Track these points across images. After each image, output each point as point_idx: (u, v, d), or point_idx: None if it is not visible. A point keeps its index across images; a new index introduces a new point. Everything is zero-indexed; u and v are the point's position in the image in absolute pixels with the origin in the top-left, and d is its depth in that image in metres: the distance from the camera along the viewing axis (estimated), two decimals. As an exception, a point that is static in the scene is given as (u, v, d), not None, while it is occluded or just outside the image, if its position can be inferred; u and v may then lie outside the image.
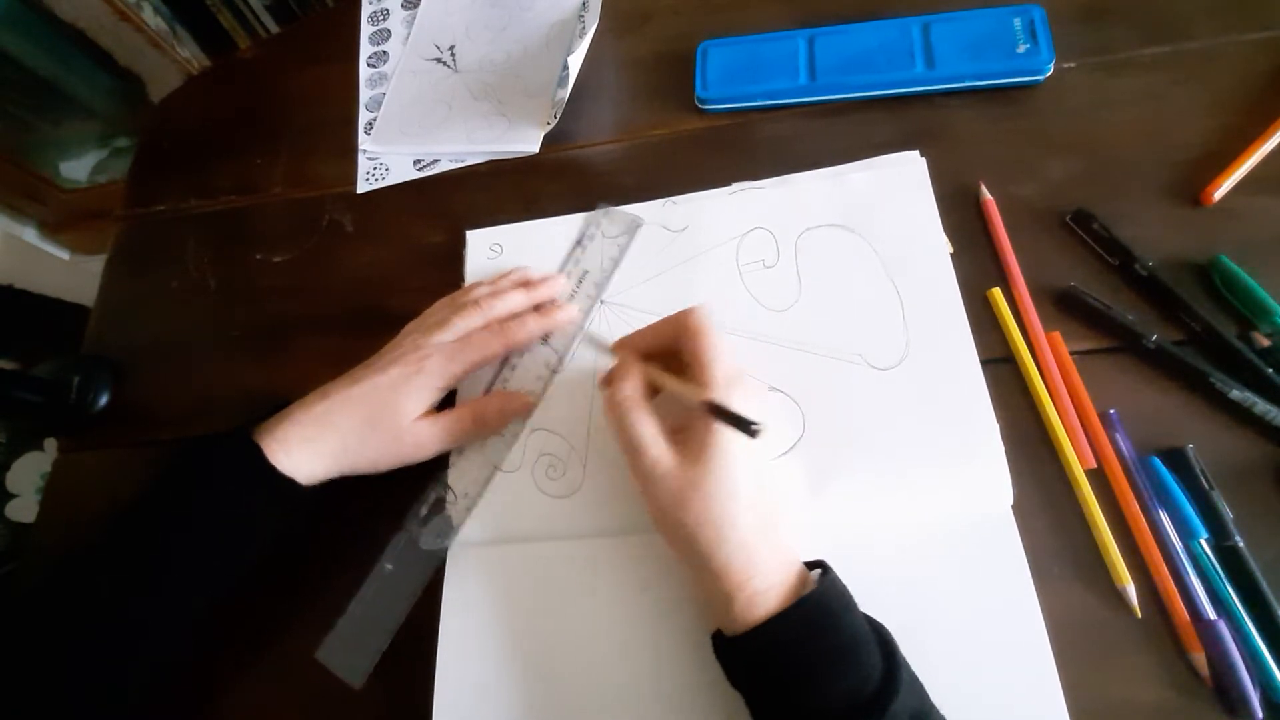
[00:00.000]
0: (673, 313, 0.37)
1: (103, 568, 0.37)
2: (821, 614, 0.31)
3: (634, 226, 0.47)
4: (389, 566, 0.41)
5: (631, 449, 0.35)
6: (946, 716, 0.30)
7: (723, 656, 0.33)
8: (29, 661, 0.36)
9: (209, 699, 0.42)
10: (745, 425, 0.31)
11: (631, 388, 0.36)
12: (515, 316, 0.44)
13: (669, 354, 0.37)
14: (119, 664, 0.37)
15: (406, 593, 0.41)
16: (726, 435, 0.32)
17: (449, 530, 0.42)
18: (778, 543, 0.33)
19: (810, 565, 0.34)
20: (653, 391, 0.37)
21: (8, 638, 0.37)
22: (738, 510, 0.32)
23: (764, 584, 0.32)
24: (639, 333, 0.38)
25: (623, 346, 0.39)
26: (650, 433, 0.34)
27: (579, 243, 0.48)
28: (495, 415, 0.43)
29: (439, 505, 0.42)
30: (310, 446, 0.39)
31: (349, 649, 0.40)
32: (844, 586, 0.33)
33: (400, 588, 0.41)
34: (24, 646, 0.37)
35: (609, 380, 0.38)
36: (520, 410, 0.44)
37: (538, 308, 0.45)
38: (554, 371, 0.45)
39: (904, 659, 0.31)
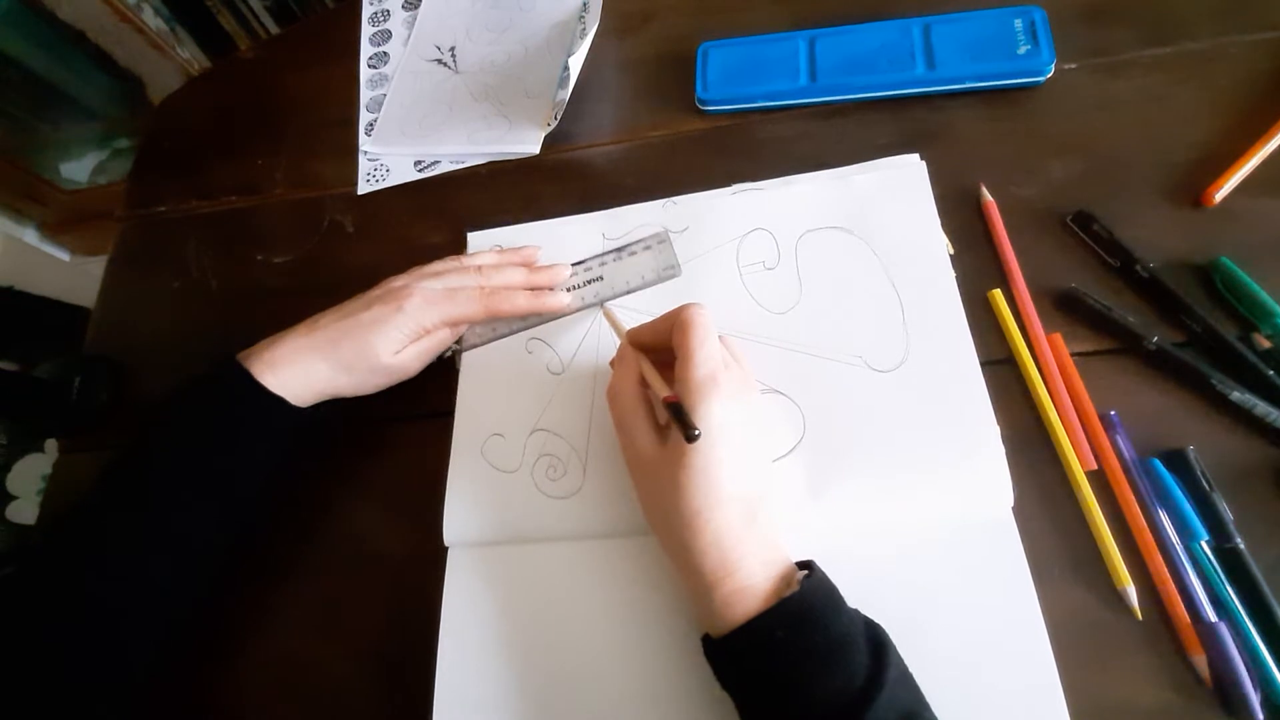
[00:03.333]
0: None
1: (100, 513, 0.38)
2: (803, 616, 0.30)
3: (669, 273, 0.46)
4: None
5: (621, 436, 0.37)
6: (948, 718, 0.30)
7: (710, 658, 0.33)
8: (33, 630, 0.36)
9: (209, 699, 0.42)
10: (685, 428, 0.32)
11: (624, 378, 0.37)
12: (508, 289, 0.45)
13: (668, 347, 0.37)
14: (122, 618, 0.38)
15: None
16: (709, 427, 0.32)
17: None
18: (763, 538, 0.33)
19: (801, 565, 0.34)
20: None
21: (12, 603, 0.37)
22: (717, 501, 0.32)
23: (744, 581, 0.32)
24: (645, 325, 0.39)
25: (629, 336, 0.40)
26: (638, 422, 0.36)
27: (617, 251, 0.48)
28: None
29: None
30: (296, 368, 0.41)
31: None
32: (831, 586, 0.32)
33: None
34: (28, 613, 0.37)
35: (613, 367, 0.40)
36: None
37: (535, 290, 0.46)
38: (526, 326, 0.47)
39: (895, 659, 0.30)
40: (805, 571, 0.32)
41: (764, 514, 0.33)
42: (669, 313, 0.37)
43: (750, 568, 0.32)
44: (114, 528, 0.38)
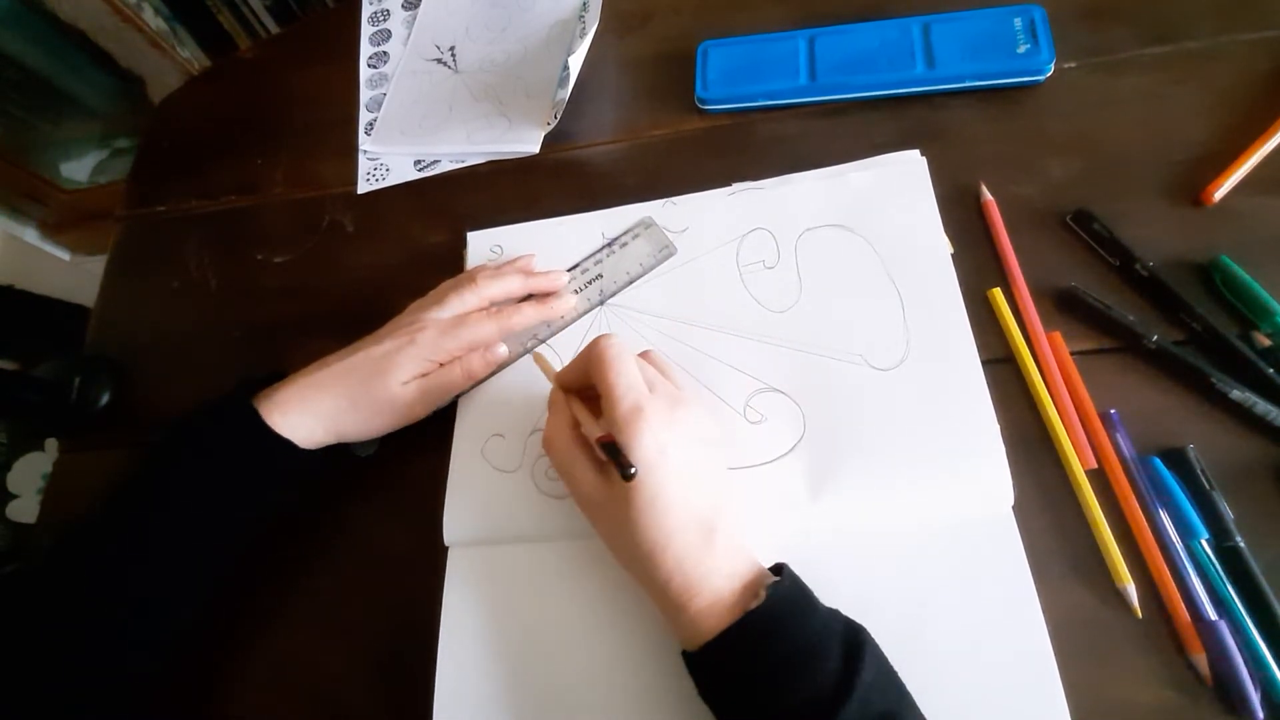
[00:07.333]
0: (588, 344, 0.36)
1: (102, 539, 0.38)
2: (769, 627, 0.30)
3: (665, 253, 0.47)
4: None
5: (565, 481, 0.37)
6: (948, 717, 0.30)
7: (689, 671, 0.33)
8: (32, 641, 0.36)
9: (209, 699, 0.42)
10: (621, 468, 0.32)
11: (556, 425, 0.37)
12: (512, 302, 0.45)
13: (591, 384, 0.36)
14: (120, 639, 0.38)
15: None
16: (645, 459, 0.32)
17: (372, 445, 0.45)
18: (725, 550, 0.33)
19: (776, 568, 0.33)
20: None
21: (11, 616, 0.37)
22: (672, 529, 0.32)
23: (710, 598, 0.32)
24: (567, 366, 0.38)
25: (557, 380, 0.39)
26: (578, 465, 0.35)
27: (608, 245, 0.48)
28: (480, 364, 0.44)
29: None
30: (305, 410, 0.41)
31: None
32: (801, 592, 0.32)
33: None
34: (27, 625, 0.37)
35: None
36: (502, 358, 0.45)
37: (535, 297, 0.46)
38: (540, 340, 0.46)
39: (872, 662, 0.30)
40: (775, 578, 0.32)
41: (723, 526, 0.33)
42: (584, 349, 0.36)
43: (715, 584, 0.32)
44: (115, 548, 0.38)
